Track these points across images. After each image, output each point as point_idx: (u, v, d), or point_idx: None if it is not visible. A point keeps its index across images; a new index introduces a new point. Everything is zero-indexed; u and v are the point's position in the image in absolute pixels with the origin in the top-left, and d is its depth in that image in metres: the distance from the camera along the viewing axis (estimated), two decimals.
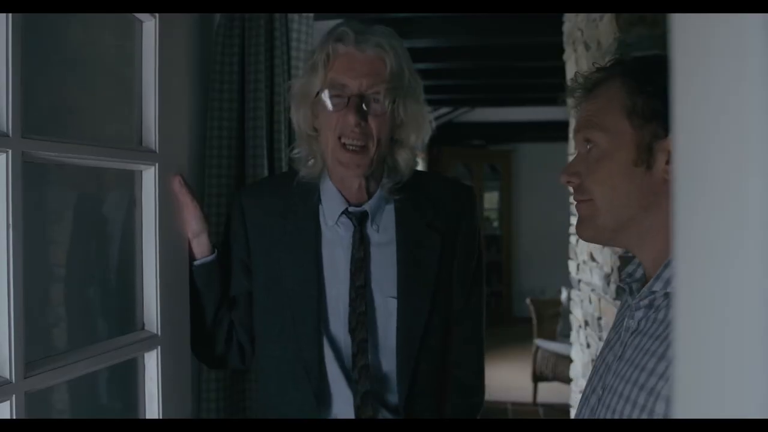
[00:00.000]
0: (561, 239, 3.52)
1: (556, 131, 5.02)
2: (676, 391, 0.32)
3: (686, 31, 0.30)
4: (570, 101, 0.93)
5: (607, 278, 2.04)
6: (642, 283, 0.88)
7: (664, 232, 0.81)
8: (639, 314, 0.84)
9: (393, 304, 1.27)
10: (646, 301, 0.83)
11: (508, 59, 4.09)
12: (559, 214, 4.36)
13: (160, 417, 1.22)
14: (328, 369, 1.27)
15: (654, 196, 0.81)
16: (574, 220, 2.77)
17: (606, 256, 2.05)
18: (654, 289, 0.81)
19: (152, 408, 1.22)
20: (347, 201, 1.29)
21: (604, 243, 0.91)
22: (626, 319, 0.87)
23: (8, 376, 0.93)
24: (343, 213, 1.28)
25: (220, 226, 1.93)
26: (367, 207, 1.29)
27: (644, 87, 0.82)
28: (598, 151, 0.84)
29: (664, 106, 0.79)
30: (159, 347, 1.22)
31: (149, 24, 1.22)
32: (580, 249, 2.59)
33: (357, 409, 1.25)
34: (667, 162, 0.79)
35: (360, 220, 1.28)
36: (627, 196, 0.82)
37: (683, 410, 0.31)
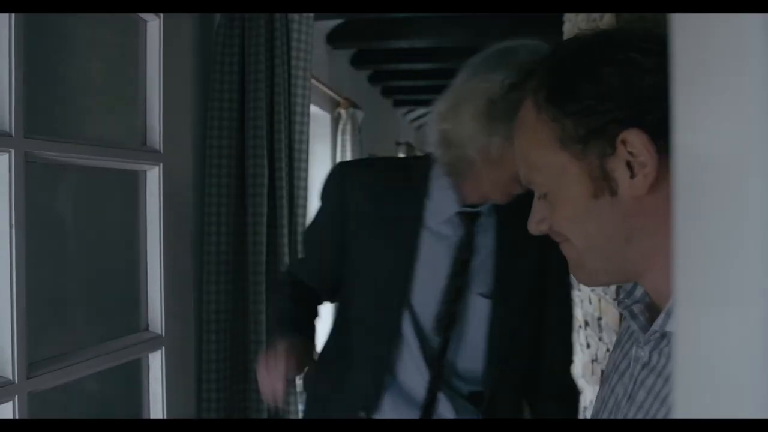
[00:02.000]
0: None
1: None
2: (676, 391, 0.32)
3: (686, 31, 0.30)
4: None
5: None
6: (644, 305, 0.76)
7: (659, 257, 0.67)
8: (649, 346, 0.70)
9: (486, 304, 1.24)
10: (657, 335, 0.69)
11: None
12: None
13: (164, 417, 1.22)
14: (405, 361, 1.24)
15: (632, 221, 0.67)
16: None
17: None
18: (667, 329, 0.66)
19: (156, 408, 1.22)
20: (462, 200, 1.23)
21: (606, 285, 0.76)
22: (635, 348, 0.73)
23: (11, 377, 0.93)
24: (454, 213, 1.23)
25: (220, 226, 1.93)
26: (483, 209, 1.24)
27: (565, 107, 0.66)
28: (550, 195, 0.70)
29: (599, 119, 0.64)
30: (163, 348, 1.22)
31: (153, 24, 1.22)
32: None
33: (427, 402, 1.23)
34: (631, 176, 0.64)
35: (471, 221, 1.24)
36: (601, 234, 0.68)
37: (683, 410, 0.32)
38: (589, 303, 2.40)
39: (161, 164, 1.22)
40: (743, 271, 0.26)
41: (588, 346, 2.43)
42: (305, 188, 2.10)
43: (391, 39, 3.51)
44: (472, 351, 1.25)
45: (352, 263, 1.27)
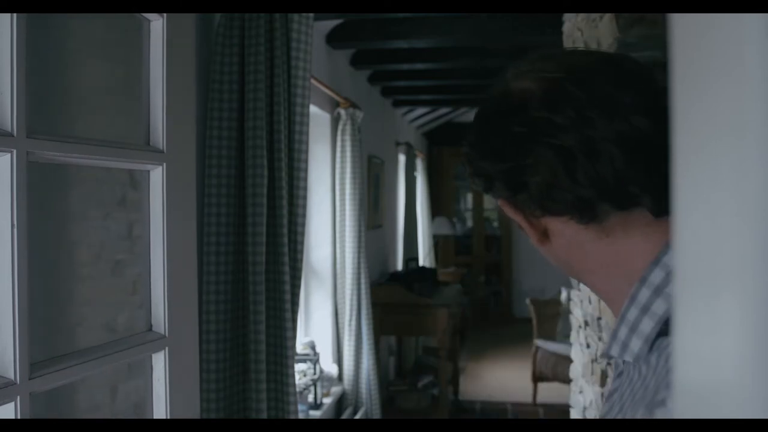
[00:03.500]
0: None
1: None
2: (676, 391, 0.32)
3: (686, 31, 0.30)
4: None
5: None
6: None
7: (608, 289, 0.69)
8: (617, 364, 0.70)
9: None
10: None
11: (508, 59, 4.09)
12: None
13: (168, 417, 1.22)
14: None
15: (571, 266, 0.71)
16: None
17: None
18: (612, 353, 0.65)
19: (160, 408, 1.22)
20: None
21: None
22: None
23: (12, 377, 0.93)
24: None
25: (220, 226, 1.93)
26: None
27: (481, 173, 0.71)
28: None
29: (489, 183, 0.70)
30: (167, 348, 1.22)
31: (157, 24, 1.22)
32: None
33: None
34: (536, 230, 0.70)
35: None
36: (559, 261, 0.72)
37: (683, 410, 0.32)
38: (588, 303, 2.40)
39: (165, 164, 1.22)
40: (744, 271, 0.26)
41: (588, 346, 2.43)
42: (305, 188, 2.10)
43: (391, 39, 3.51)
44: None
45: None
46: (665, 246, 0.62)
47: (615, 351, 0.64)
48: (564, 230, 0.67)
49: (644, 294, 0.61)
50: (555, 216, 0.67)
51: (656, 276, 0.61)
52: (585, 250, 0.67)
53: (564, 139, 0.62)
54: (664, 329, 0.60)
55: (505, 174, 0.68)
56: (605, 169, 0.62)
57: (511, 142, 0.66)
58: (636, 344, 0.61)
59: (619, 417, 0.63)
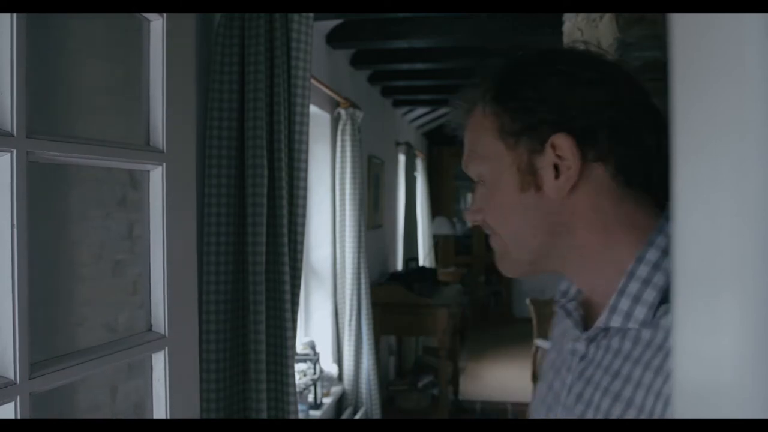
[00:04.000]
0: None
1: None
2: (676, 391, 0.32)
3: (686, 31, 0.30)
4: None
5: None
6: (578, 302, 0.80)
7: (591, 254, 0.73)
8: (585, 337, 0.75)
9: None
10: (597, 329, 0.73)
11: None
12: None
13: (168, 417, 1.22)
14: None
15: (557, 218, 0.72)
16: None
17: None
18: (612, 324, 0.70)
19: (160, 408, 1.22)
20: None
21: (527, 275, 0.79)
22: (571, 343, 0.77)
23: (12, 377, 0.93)
24: None
25: (220, 226, 1.93)
26: None
27: (506, 104, 0.74)
28: (486, 183, 0.77)
29: (532, 117, 0.71)
30: (167, 348, 1.22)
31: (157, 23, 1.22)
32: None
33: None
34: (556, 176, 0.71)
35: None
36: (525, 226, 0.74)
37: (683, 410, 0.32)
38: None
39: (165, 164, 1.22)
40: (743, 272, 0.26)
41: None
42: (305, 188, 2.10)
43: (390, 39, 3.51)
44: None
45: None
46: (655, 231, 0.69)
47: (617, 322, 0.69)
48: (596, 176, 0.71)
49: (643, 269, 0.68)
50: (601, 161, 0.70)
51: (652, 255, 0.68)
52: (603, 206, 0.71)
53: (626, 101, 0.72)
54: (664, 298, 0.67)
55: (575, 108, 0.71)
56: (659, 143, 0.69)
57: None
58: (641, 312, 0.67)
59: (609, 390, 0.69)
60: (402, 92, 5.61)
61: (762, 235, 0.25)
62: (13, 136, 0.92)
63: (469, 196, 8.43)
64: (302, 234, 2.09)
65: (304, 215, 2.10)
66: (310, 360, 3.14)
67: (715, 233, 0.28)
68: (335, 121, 3.73)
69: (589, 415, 0.70)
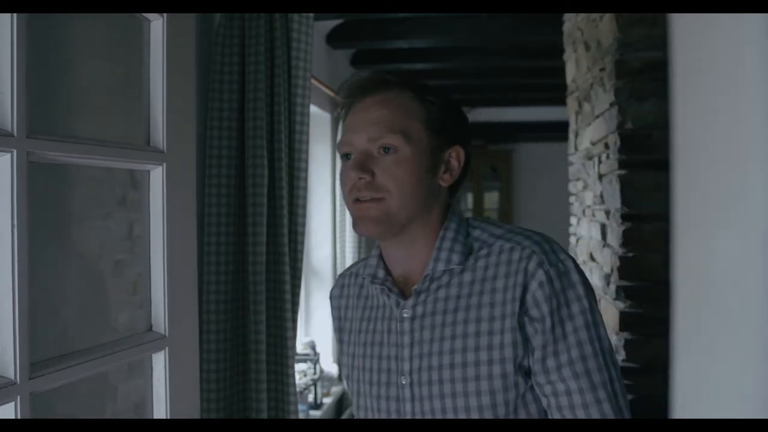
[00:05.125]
0: (561, 239, 3.51)
1: (556, 131, 5.02)
2: (675, 391, 0.32)
3: (686, 31, 0.30)
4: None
5: (606, 278, 2.04)
6: (391, 282, 1.00)
7: (428, 227, 0.97)
8: (410, 302, 0.96)
9: None
10: (417, 288, 0.96)
11: (508, 59, 4.09)
12: (558, 215, 4.36)
13: (168, 417, 1.22)
14: None
15: (433, 197, 0.97)
16: (574, 220, 2.77)
17: (606, 256, 2.05)
18: (438, 269, 0.95)
19: (160, 408, 1.22)
20: None
21: (388, 238, 0.98)
22: (394, 312, 0.98)
23: (13, 377, 0.93)
24: None
25: (220, 226, 1.93)
26: None
27: (436, 102, 0.98)
28: (400, 156, 0.93)
29: (449, 122, 0.99)
30: (167, 348, 1.22)
31: (157, 23, 1.22)
32: (580, 249, 2.59)
33: None
34: (444, 171, 0.98)
35: None
36: (418, 197, 0.94)
37: (683, 410, 0.32)
38: None
39: (165, 164, 1.22)
40: (743, 273, 0.26)
41: None
42: (305, 188, 2.10)
43: (391, 39, 3.51)
44: None
45: None
46: (451, 212, 1.01)
47: (441, 266, 0.95)
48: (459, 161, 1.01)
49: (450, 233, 0.97)
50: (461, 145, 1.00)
51: (452, 226, 0.98)
52: (444, 195, 1.01)
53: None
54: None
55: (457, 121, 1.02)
56: None
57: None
58: (456, 256, 0.95)
59: (457, 321, 0.93)
60: None
61: (763, 233, 0.25)
62: (13, 136, 0.92)
63: (469, 196, 8.45)
64: (302, 234, 2.09)
65: (304, 215, 2.10)
66: (311, 360, 3.14)
67: (714, 233, 0.28)
68: (335, 121, 3.73)
69: (447, 344, 0.92)
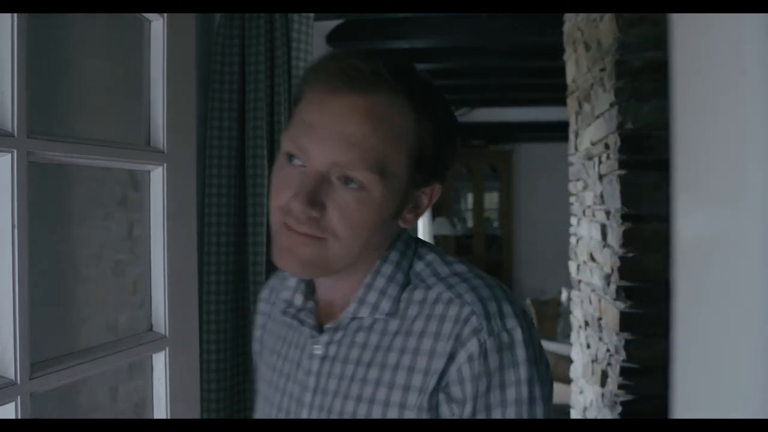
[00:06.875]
0: (561, 239, 3.52)
1: (556, 131, 5.03)
2: (675, 391, 0.32)
3: (686, 31, 0.30)
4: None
5: (607, 279, 2.04)
6: (308, 311, 0.83)
7: (373, 256, 0.78)
8: (324, 338, 0.79)
9: None
10: (334, 324, 0.78)
11: (508, 59, 4.10)
12: (559, 215, 4.36)
13: (168, 417, 1.22)
14: None
15: (387, 237, 0.78)
16: (574, 221, 2.77)
17: (606, 257, 2.05)
18: (360, 315, 0.76)
19: (160, 408, 1.22)
20: None
21: (317, 277, 0.82)
22: (308, 347, 0.81)
23: (13, 377, 0.93)
24: None
25: (220, 226, 1.93)
26: None
27: (434, 119, 0.74)
28: (365, 197, 0.71)
29: (441, 152, 0.76)
30: (167, 348, 1.22)
31: (157, 24, 1.22)
32: (581, 249, 2.59)
33: None
34: (410, 210, 0.78)
35: None
36: (369, 243, 0.74)
37: (683, 410, 0.32)
38: (589, 303, 2.40)
39: (165, 164, 1.22)
40: (743, 274, 0.26)
41: (588, 346, 2.43)
42: None
43: (391, 39, 3.51)
44: None
45: None
46: (399, 240, 0.80)
47: (365, 312, 0.76)
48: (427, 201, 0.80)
49: (388, 268, 0.78)
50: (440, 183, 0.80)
51: (394, 256, 0.78)
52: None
53: None
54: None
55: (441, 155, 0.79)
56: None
57: None
58: (387, 304, 0.76)
59: (367, 379, 0.75)
60: None
61: (763, 233, 0.25)
62: (13, 136, 0.92)
63: (470, 197, 8.45)
64: None
65: None
66: None
67: (714, 233, 0.28)
68: None
69: (350, 406, 0.75)
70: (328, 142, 0.70)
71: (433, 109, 0.75)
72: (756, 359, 0.26)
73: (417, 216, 0.79)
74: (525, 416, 0.70)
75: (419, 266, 0.78)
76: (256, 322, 0.98)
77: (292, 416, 0.80)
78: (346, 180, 0.71)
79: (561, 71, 2.99)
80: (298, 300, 0.84)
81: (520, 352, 0.70)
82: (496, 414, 0.70)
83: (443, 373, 0.70)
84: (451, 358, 0.70)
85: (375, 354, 0.75)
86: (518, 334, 0.71)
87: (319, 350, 0.79)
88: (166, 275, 1.22)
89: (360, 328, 0.77)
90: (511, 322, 0.71)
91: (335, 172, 0.71)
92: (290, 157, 0.74)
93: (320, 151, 0.70)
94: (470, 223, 8.47)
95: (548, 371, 0.75)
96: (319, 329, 0.80)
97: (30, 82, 0.95)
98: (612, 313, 1.94)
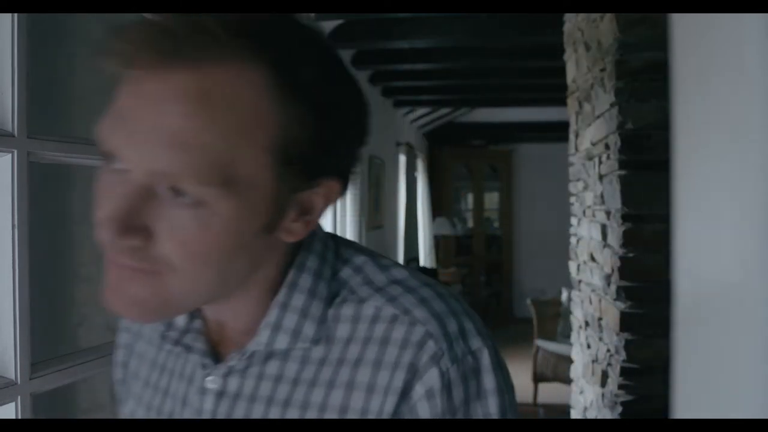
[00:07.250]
0: (561, 239, 3.52)
1: (556, 131, 5.03)
2: (675, 391, 0.32)
3: (686, 31, 0.30)
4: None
5: (607, 279, 2.04)
6: (195, 334, 0.62)
7: (272, 271, 0.58)
8: (221, 368, 0.59)
9: None
10: (237, 354, 0.58)
11: (508, 59, 4.10)
12: (558, 215, 4.36)
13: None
14: None
15: (266, 257, 0.57)
16: (574, 221, 2.77)
17: (606, 257, 2.05)
18: (277, 346, 0.57)
19: None
20: None
21: (162, 320, 0.62)
22: (197, 375, 0.61)
23: (13, 377, 0.93)
24: None
25: None
26: None
27: (309, 100, 0.50)
28: (208, 214, 0.49)
29: (329, 135, 0.52)
30: None
31: None
32: (581, 249, 2.59)
33: None
34: (296, 219, 0.54)
35: None
36: (232, 273, 0.54)
37: (683, 410, 0.32)
38: (589, 303, 2.40)
39: None
40: (742, 276, 0.26)
41: (588, 346, 2.43)
42: None
43: (391, 39, 3.51)
44: None
45: None
46: (316, 240, 0.60)
47: (283, 342, 0.57)
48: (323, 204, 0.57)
49: (306, 279, 0.58)
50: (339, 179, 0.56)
51: (312, 262, 0.59)
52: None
53: None
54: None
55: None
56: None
57: None
58: (311, 328, 0.57)
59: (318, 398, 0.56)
60: (403, 92, 5.62)
61: (763, 234, 0.25)
62: (13, 136, 0.92)
63: (470, 196, 8.45)
64: None
65: None
66: None
67: (716, 232, 0.28)
68: None
69: None
70: (143, 141, 0.49)
71: (309, 78, 0.51)
72: (756, 359, 0.27)
73: (309, 224, 0.56)
74: None
75: (346, 272, 0.60)
76: (118, 341, 0.74)
77: None
78: (178, 192, 0.49)
79: (561, 71, 3.00)
80: (180, 320, 0.63)
81: (488, 380, 0.55)
82: None
83: (393, 416, 0.54)
84: (404, 394, 0.53)
85: (294, 390, 0.57)
86: (485, 357, 0.56)
87: (214, 383, 0.59)
88: None
89: (272, 355, 0.58)
90: (476, 343, 0.55)
91: (157, 180, 0.49)
92: (110, 157, 0.54)
93: (136, 155, 0.50)
94: (470, 223, 8.48)
95: (514, 397, 0.61)
96: (213, 355, 0.61)
97: (30, 82, 0.95)
98: (612, 313, 1.94)
